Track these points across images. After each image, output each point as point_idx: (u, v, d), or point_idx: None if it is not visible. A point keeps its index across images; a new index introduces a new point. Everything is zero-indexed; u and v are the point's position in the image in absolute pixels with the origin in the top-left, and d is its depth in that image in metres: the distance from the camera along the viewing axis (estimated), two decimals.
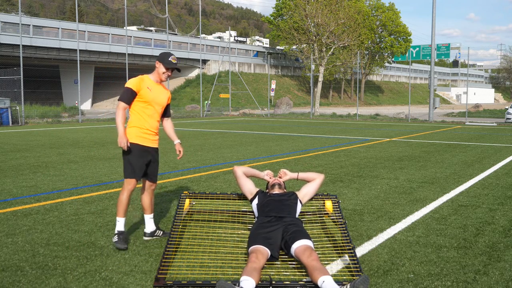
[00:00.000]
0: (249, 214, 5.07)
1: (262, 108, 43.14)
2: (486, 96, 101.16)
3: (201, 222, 5.06)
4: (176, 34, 60.48)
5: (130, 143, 4.40)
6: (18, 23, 29.58)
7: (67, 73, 49.95)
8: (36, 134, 17.49)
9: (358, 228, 5.02)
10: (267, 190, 4.78)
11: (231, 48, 49.82)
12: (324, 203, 5.08)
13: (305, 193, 4.71)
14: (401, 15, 72.34)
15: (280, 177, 4.92)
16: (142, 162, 4.44)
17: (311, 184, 4.82)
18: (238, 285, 3.22)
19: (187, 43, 59.86)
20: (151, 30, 65.86)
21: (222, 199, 5.19)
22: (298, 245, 3.70)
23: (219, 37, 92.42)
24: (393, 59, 71.80)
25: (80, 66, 28.90)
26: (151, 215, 4.65)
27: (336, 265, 3.89)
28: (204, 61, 59.06)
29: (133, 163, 4.40)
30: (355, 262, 3.69)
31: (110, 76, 49.23)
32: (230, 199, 5.17)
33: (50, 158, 10.51)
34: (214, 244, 4.36)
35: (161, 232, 4.69)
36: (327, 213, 4.94)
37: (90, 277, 3.61)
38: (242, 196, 5.01)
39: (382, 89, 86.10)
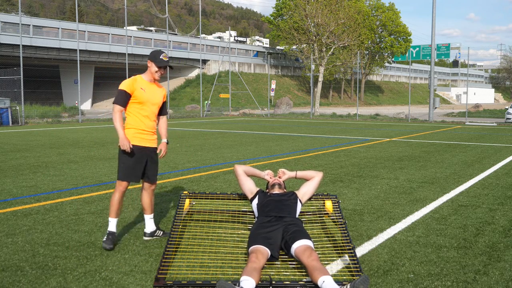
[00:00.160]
0: (249, 214, 5.07)
1: (262, 108, 43.14)
2: (486, 96, 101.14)
3: (201, 222, 5.06)
4: (176, 34, 60.46)
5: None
6: (18, 23, 29.58)
7: (67, 73, 49.95)
8: (36, 134, 17.49)
9: (358, 228, 5.02)
10: (267, 190, 4.78)
11: (231, 48, 49.80)
12: (324, 203, 5.08)
13: (304, 192, 4.71)
14: (401, 15, 72.41)
15: (279, 177, 4.92)
16: (136, 164, 4.42)
17: (310, 183, 4.82)
18: (238, 285, 3.22)
19: (187, 43, 59.85)
20: (151, 30, 65.86)
21: (222, 199, 5.18)
22: (298, 245, 3.70)
23: (219, 37, 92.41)
24: (393, 59, 71.78)
25: (80, 66, 28.90)
26: (151, 215, 4.65)
27: (336, 265, 3.89)
28: (204, 61, 59.07)
29: (127, 165, 4.39)
30: (355, 262, 3.69)
31: (110, 76, 49.09)
32: (230, 199, 5.16)
33: (50, 158, 10.51)
34: (214, 244, 4.36)
35: (161, 232, 4.69)
36: (327, 213, 4.94)
37: (90, 277, 3.61)
38: (242, 196, 5.01)
39: (382, 89, 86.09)
